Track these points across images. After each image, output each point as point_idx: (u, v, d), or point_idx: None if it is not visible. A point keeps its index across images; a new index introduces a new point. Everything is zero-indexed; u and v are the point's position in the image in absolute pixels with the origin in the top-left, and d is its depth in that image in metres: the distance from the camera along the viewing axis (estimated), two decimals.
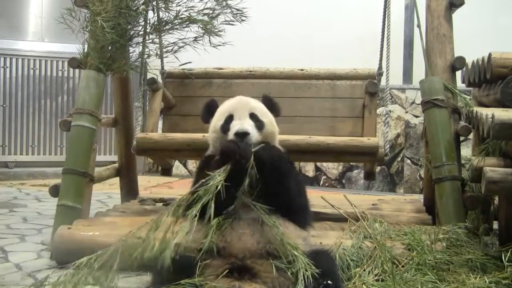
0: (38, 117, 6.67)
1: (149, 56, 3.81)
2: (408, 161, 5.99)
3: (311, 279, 1.96)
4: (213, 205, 1.98)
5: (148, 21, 3.72)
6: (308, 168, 6.38)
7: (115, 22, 3.37)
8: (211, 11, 3.78)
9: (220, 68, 4.03)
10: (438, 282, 2.31)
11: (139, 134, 3.49)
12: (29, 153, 6.62)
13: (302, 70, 3.97)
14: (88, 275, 1.95)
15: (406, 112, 6.02)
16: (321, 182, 6.34)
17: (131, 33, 3.63)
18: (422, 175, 5.47)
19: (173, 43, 3.86)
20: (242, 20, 3.85)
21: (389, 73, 3.56)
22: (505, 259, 2.39)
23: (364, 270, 2.44)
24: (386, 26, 3.66)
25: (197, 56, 3.83)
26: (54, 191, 3.28)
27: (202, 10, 3.78)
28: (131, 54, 3.81)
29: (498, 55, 2.90)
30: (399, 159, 6.02)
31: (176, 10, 3.75)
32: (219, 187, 1.98)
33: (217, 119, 2.36)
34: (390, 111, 4.06)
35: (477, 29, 5.78)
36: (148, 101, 3.87)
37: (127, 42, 3.58)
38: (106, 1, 3.36)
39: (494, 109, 2.72)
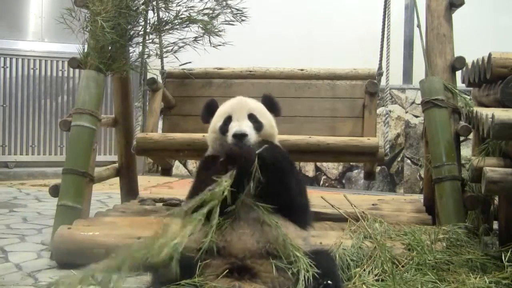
0: (38, 117, 6.67)
1: (149, 56, 3.81)
2: (408, 161, 5.99)
3: (311, 279, 1.96)
4: (218, 211, 1.98)
5: (148, 21, 3.72)
6: (308, 168, 6.38)
7: (115, 22, 3.37)
8: (211, 11, 3.78)
9: (220, 68, 4.03)
10: (438, 282, 2.32)
11: (139, 134, 3.49)
12: (29, 153, 6.62)
13: (302, 70, 3.97)
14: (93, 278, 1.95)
15: (406, 112, 6.03)
16: (321, 182, 6.34)
17: (131, 33, 3.63)
18: (422, 175, 5.47)
19: (173, 43, 3.86)
20: (242, 20, 3.85)
21: (389, 73, 3.56)
22: (505, 259, 2.39)
23: (364, 270, 2.44)
24: (386, 26, 3.65)
25: (197, 56, 3.83)
26: (54, 191, 3.28)
27: (202, 10, 3.78)
28: (131, 54, 3.81)
29: (498, 55, 2.90)
30: (399, 159, 6.02)
31: (176, 10, 3.75)
32: (225, 193, 1.99)
33: (216, 120, 2.37)
34: (390, 111, 4.05)
35: (477, 29, 5.78)
36: (148, 101, 3.87)
37: (127, 42, 3.58)
38: (106, 1, 3.36)
39: (494, 109, 2.72)
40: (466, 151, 4.56)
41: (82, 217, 3.18)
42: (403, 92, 6.03)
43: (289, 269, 2.01)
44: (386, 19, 3.64)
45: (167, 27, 3.76)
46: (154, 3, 3.73)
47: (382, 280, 2.35)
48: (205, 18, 3.76)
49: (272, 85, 3.91)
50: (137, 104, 3.74)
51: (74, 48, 3.53)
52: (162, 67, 4.06)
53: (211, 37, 3.80)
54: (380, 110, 4.65)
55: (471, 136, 3.77)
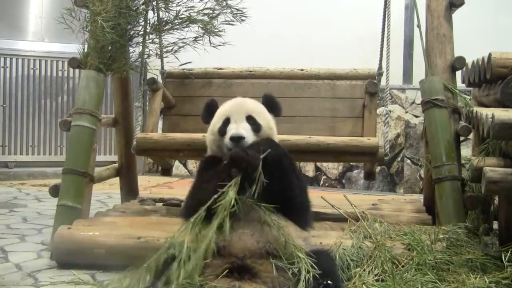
0: (38, 117, 6.66)
1: (149, 56, 3.81)
2: (408, 161, 5.99)
3: (311, 279, 1.96)
4: (228, 222, 1.99)
5: (148, 21, 3.72)
6: (308, 168, 6.38)
7: (115, 22, 3.37)
8: (211, 11, 3.78)
9: (220, 68, 4.03)
10: (438, 282, 2.32)
11: (139, 134, 3.49)
12: (29, 153, 6.61)
13: (302, 70, 3.97)
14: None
15: (406, 112, 6.03)
16: (321, 182, 6.34)
17: (131, 33, 3.63)
18: (422, 175, 5.47)
19: (173, 43, 3.86)
20: (242, 20, 3.85)
21: (389, 73, 3.56)
22: (505, 259, 2.39)
23: (364, 270, 2.44)
24: (386, 26, 3.65)
25: (197, 56, 3.83)
26: (54, 191, 3.28)
27: (202, 10, 3.78)
28: (131, 54, 3.80)
29: (498, 55, 2.90)
30: (399, 159, 6.02)
31: (176, 10, 3.74)
32: (233, 203, 1.99)
33: (215, 122, 2.38)
34: (390, 111, 4.06)
35: (477, 29, 5.78)
36: (148, 101, 3.87)
37: (127, 42, 3.58)
38: (106, 1, 3.36)
39: (494, 109, 2.72)
40: (466, 151, 4.56)
41: (82, 217, 3.18)
42: (403, 92, 6.03)
43: (289, 269, 2.01)
44: (386, 19, 3.64)
45: (167, 27, 3.75)
46: (154, 3, 3.72)
47: (382, 280, 2.35)
48: (205, 18, 3.76)
49: (272, 85, 3.91)
50: (137, 104, 3.74)
51: (74, 48, 3.53)
52: (162, 67, 4.06)
53: (211, 37, 3.80)
54: (380, 110, 4.65)
55: (471, 136, 3.77)
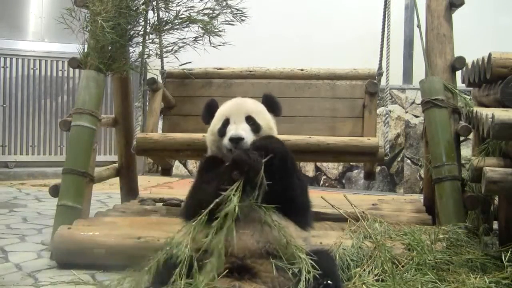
0: (38, 117, 6.66)
1: (149, 56, 3.81)
2: (408, 161, 5.99)
3: (311, 280, 1.96)
4: (234, 229, 1.99)
5: (148, 21, 3.72)
6: (308, 168, 6.38)
7: (115, 22, 3.37)
8: (211, 11, 3.78)
9: (220, 68, 4.03)
10: (438, 282, 2.32)
11: (139, 134, 3.49)
12: (29, 153, 6.62)
13: (302, 70, 3.97)
14: None
15: (406, 112, 6.03)
16: (321, 182, 6.34)
17: (131, 33, 3.63)
18: (422, 175, 5.47)
19: (173, 43, 3.86)
20: (242, 20, 3.85)
21: (389, 73, 3.56)
22: (505, 259, 2.39)
23: (364, 270, 2.44)
24: (386, 26, 3.65)
25: (197, 56, 3.83)
26: (54, 191, 3.28)
27: (202, 10, 3.78)
28: (131, 54, 3.80)
29: (498, 55, 2.90)
30: (399, 159, 6.02)
31: (176, 10, 3.74)
32: (237, 209, 1.99)
33: (215, 123, 2.38)
34: (390, 111, 4.05)
35: (477, 29, 5.78)
36: (148, 101, 3.87)
37: (127, 42, 3.58)
38: (106, 1, 3.36)
39: (494, 109, 2.72)
40: (466, 151, 4.56)
41: (82, 217, 3.18)
42: (403, 92, 6.03)
43: (289, 269, 2.01)
44: (386, 19, 3.64)
45: (167, 27, 3.75)
46: (154, 3, 3.72)
47: (382, 280, 2.35)
48: (205, 18, 3.76)
49: (272, 85, 3.91)
50: (137, 104, 3.74)
51: (74, 48, 3.53)
52: (162, 67, 4.06)
53: (211, 37, 3.80)
54: (380, 110, 4.65)
55: (471, 136, 3.77)
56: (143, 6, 3.64)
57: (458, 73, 3.55)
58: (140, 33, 3.69)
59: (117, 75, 3.76)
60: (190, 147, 3.33)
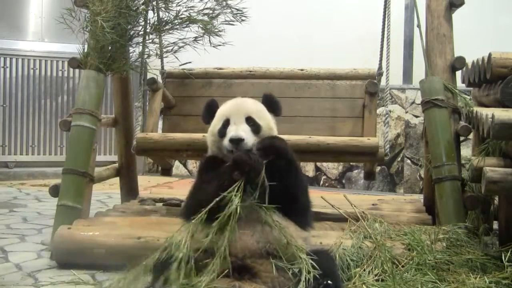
0: (38, 117, 6.66)
1: (149, 56, 3.81)
2: (408, 161, 5.99)
3: (311, 280, 1.96)
4: (236, 229, 2.00)
5: (148, 21, 3.72)
6: (308, 168, 6.38)
7: (115, 22, 3.37)
8: (211, 11, 3.78)
9: (220, 68, 4.03)
10: (438, 282, 2.32)
11: (139, 134, 3.49)
12: (29, 153, 6.62)
13: (302, 70, 3.97)
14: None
15: (406, 112, 6.03)
16: (321, 182, 6.34)
17: (131, 33, 3.63)
18: (422, 175, 5.47)
19: (173, 43, 3.86)
20: (242, 20, 3.85)
21: (389, 73, 3.56)
22: (505, 259, 2.39)
23: (364, 270, 2.44)
24: (386, 26, 3.65)
25: (197, 56, 3.83)
26: (54, 191, 3.28)
27: (202, 10, 3.78)
28: (131, 54, 3.81)
29: (498, 55, 2.90)
30: (399, 159, 6.02)
31: (176, 10, 3.74)
32: (238, 210, 1.99)
33: (215, 123, 2.37)
34: (390, 111, 4.05)
35: (477, 29, 5.78)
36: (148, 101, 3.87)
37: (127, 42, 3.58)
38: (106, 1, 3.36)
39: (494, 109, 2.72)
40: (466, 151, 4.56)
41: (82, 217, 3.18)
42: (403, 92, 6.04)
43: (289, 269, 2.01)
44: (386, 19, 3.64)
45: (167, 27, 3.75)
46: (154, 3, 3.72)
47: (382, 280, 2.35)
48: (205, 18, 3.76)
49: (272, 85, 3.91)
50: (137, 104, 3.74)
51: (74, 48, 3.53)
52: (162, 67, 4.06)
53: (211, 37, 3.80)
54: (380, 110, 4.65)
55: (471, 136, 3.77)
56: (143, 6, 3.64)
57: (458, 73, 3.55)
58: (140, 33, 3.69)
59: (117, 75, 3.76)
60: (190, 147, 3.33)
